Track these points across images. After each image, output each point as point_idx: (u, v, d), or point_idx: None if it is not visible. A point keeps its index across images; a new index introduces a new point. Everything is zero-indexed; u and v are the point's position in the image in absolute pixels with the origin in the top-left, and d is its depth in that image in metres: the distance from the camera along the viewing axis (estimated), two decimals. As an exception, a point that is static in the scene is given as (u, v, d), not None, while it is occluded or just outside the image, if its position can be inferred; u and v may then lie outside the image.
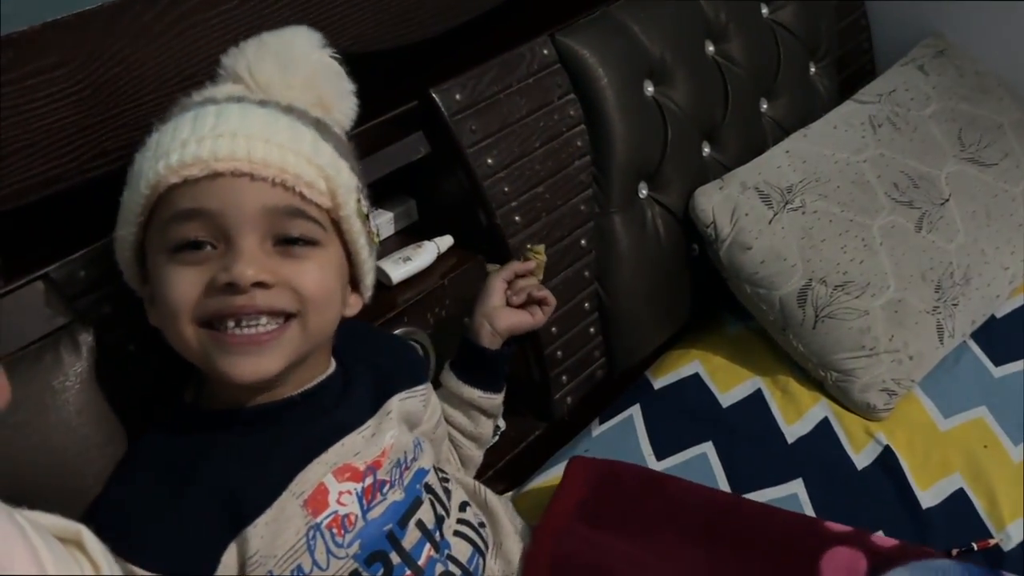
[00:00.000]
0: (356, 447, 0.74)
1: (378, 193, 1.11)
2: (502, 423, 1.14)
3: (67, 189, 0.75)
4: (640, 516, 0.88)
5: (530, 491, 1.08)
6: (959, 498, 1.02)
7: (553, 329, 1.12)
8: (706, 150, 1.27)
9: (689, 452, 1.10)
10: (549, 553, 0.84)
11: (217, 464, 0.68)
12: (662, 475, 0.95)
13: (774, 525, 0.87)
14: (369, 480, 0.73)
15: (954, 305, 1.19)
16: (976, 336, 1.23)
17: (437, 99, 1.00)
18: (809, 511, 1.02)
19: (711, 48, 1.28)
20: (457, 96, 1.01)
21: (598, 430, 1.15)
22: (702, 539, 0.85)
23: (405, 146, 1.01)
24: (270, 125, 0.67)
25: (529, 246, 1.00)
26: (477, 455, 0.99)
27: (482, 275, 1.07)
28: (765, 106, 1.36)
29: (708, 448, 1.10)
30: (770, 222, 1.17)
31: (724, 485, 1.06)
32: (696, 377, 1.20)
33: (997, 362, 1.19)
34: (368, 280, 0.77)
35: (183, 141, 0.65)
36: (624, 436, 1.14)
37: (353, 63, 0.91)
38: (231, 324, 0.66)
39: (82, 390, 0.72)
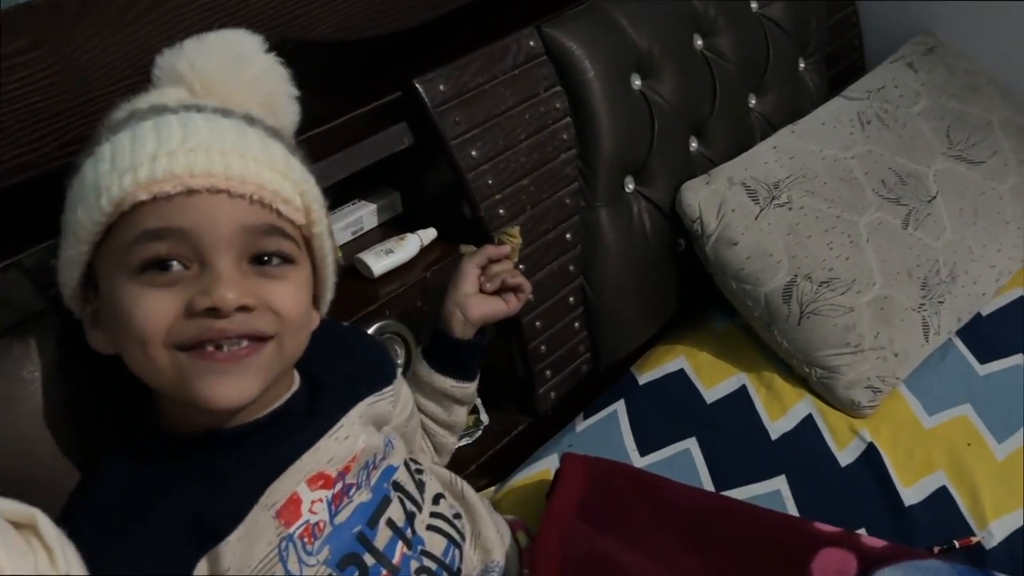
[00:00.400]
0: (329, 452, 0.72)
1: (361, 184, 1.11)
2: (485, 418, 1.13)
3: (40, 176, 0.74)
4: (634, 519, 0.88)
5: (513, 486, 1.07)
6: (942, 496, 1.02)
7: (537, 324, 1.11)
8: (693, 145, 1.27)
9: (673, 448, 1.10)
10: (558, 552, 0.83)
11: (183, 488, 0.65)
12: (652, 476, 0.94)
13: (764, 527, 0.86)
14: (339, 485, 0.71)
15: (940, 303, 1.19)
16: (962, 334, 1.22)
17: (421, 90, 0.99)
18: (792, 508, 1.01)
19: (699, 42, 1.27)
20: (441, 87, 1.00)
21: (582, 425, 1.15)
22: (695, 543, 0.85)
23: (388, 137, 1.00)
24: (241, 138, 0.64)
25: (503, 229, 0.97)
26: (451, 442, 0.98)
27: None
28: (753, 101, 1.36)
29: (692, 444, 1.10)
30: (756, 218, 1.16)
31: (707, 481, 1.06)
32: (681, 373, 1.20)
33: (982, 360, 1.19)
34: (329, 296, 0.75)
35: (151, 155, 0.61)
36: (608, 432, 1.13)
37: (336, 52, 0.90)
38: (210, 349, 0.63)
39: (53, 381, 0.71)
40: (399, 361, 1.03)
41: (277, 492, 0.68)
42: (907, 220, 1.22)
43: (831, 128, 1.28)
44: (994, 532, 0.97)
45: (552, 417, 1.17)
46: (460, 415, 0.96)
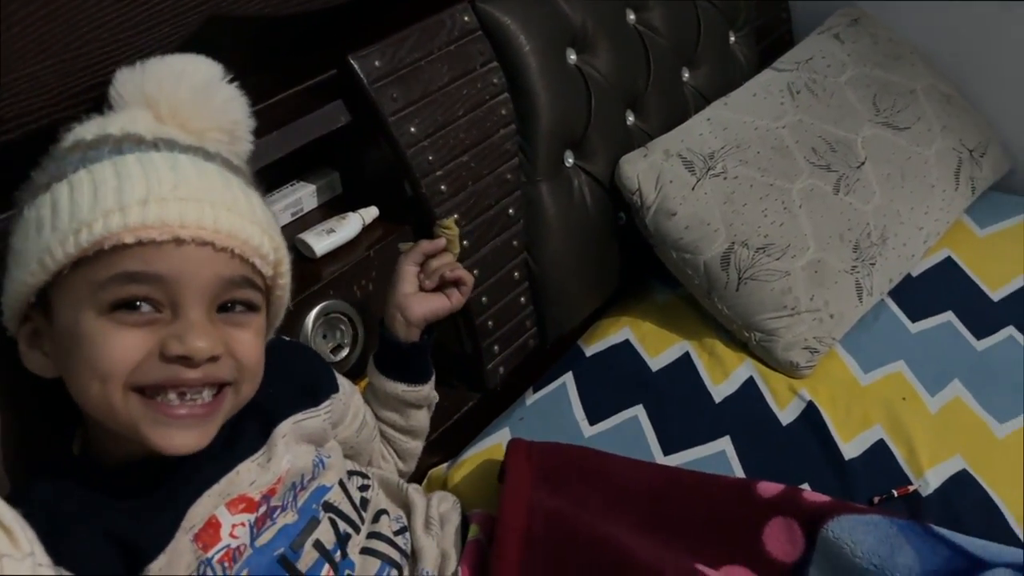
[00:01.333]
0: (251, 475, 0.70)
1: (300, 166, 1.10)
2: (435, 395, 1.13)
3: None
4: (585, 504, 0.88)
5: (465, 462, 1.08)
6: (880, 449, 1.05)
7: (483, 299, 1.12)
8: (630, 119, 1.28)
9: (621, 416, 1.12)
10: (522, 525, 0.84)
11: (106, 515, 0.64)
12: (600, 457, 0.94)
13: (715, 500, 0.88)
14: (263, 509, 0.70)
15: (872, 265, 1.23)
16: (893, 294, 1.26)
17: (356, 66, 0.98)
18: (737, 467, 1.04)
19: (632, 17, 1.29)
20: (377, 63, 0.99)
21: (532, 399, 1.16)
22: (649, 524, 0.86)
23: (324, 115, 0.99)
24: (227, 188, 0.65)
25: (439, 222, 0.95)
26: (413, 446, 0.97)
27: (409, 246, 1.06)
28: (687, 75, 1.38)
29: (639, 412, 1.12)
30: (693, 188, 1.19)
31: (655, 446, 1.07)
32: (627, 344, 1.21)
33: (914, 318, 1.23)
34: (270, 336, 0.75)
35: (141, 199, 0.61)
36: (557, 404, 1.14)
37: (268, 29, 0.89)
38: (172, 396, 0.63)
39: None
40: (346, 341, 1.03)
41: (195, 516, 0.67)
42: (838, 186, 1.25)
43: (762, 99, 1.31)
44: (929, 480, 1.01)
45: (501, 392, 1.18)
46: (418, 419, 0.95)
